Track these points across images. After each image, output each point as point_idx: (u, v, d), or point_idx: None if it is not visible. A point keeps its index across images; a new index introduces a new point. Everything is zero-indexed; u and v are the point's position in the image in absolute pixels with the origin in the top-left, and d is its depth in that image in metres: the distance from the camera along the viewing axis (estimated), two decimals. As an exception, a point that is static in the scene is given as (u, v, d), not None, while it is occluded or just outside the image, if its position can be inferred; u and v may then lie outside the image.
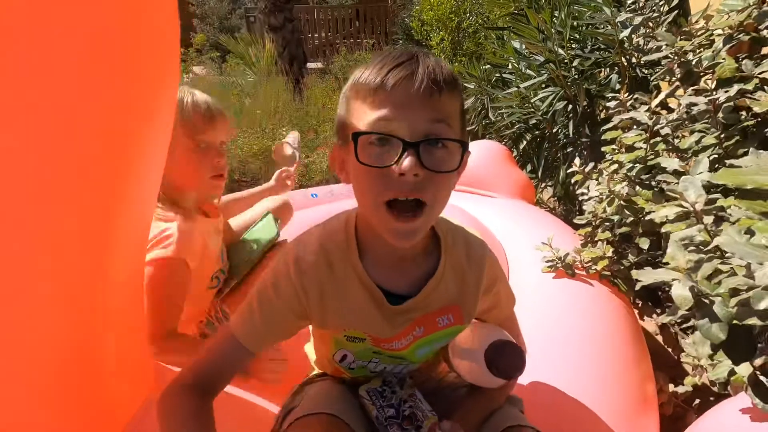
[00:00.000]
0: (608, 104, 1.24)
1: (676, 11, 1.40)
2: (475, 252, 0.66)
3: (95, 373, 0.60)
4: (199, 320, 1.06)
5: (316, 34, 7.95)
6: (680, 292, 0.61)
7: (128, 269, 0.64)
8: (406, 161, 0.51)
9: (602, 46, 1.80)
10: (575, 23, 1.77)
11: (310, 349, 0.78)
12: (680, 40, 1.00)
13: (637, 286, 0.81)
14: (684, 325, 1.22)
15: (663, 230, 0.76)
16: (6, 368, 0.52)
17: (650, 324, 1.53)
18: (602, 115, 1.91)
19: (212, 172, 0.97)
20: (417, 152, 0.51)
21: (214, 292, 1.07)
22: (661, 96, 1.00)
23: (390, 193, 0.53)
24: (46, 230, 0.52)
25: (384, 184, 0.53)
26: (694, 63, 0.95)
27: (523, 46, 1.94)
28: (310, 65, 6.60)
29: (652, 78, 1.12)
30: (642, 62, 1.62)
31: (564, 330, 1.07)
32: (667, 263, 0.97)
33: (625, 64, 1.61)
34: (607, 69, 1.76)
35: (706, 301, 0.60)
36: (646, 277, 0.68)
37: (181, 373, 0.62)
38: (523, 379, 0.93)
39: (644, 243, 1.19)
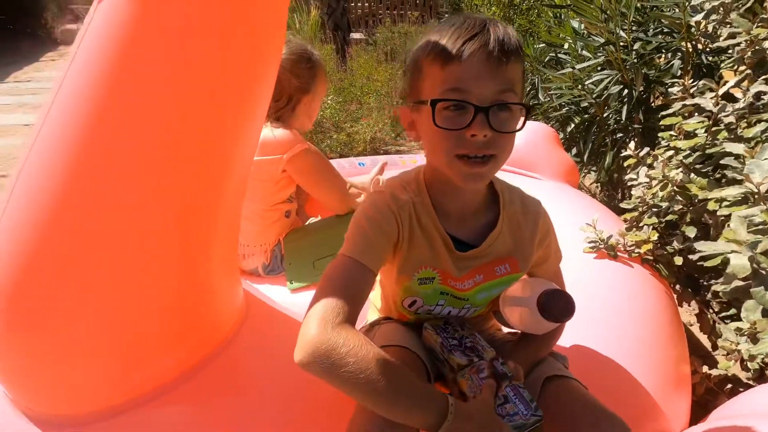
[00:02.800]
0: (670, 89, 1.23)
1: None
2: (530, 207, 0.75)
3: (201, 292, 0.70)
4: (272, 243, 1.19)
5: (359, 4, 7.84)
6: (738, 261, 0.65)
7: (233, 201, 0.73)
8: (478, 125, 0.59)
9: (666, 30, 1.75)
10: (640, 5, 1.72)
11: (374, 296, 0.86)
12: (756, 27, 0.99)
13: (695, 256, 0.84)
14: (722, 314, 1.24)
15: (720, 213, 0.78)
16: (136, 285, 0.62)
17: (685, 314, 1.55)
18: (657, 102, 1.88)
19: (313, 115, 1.27)
20: (486, 116, 0.59)
21: (287, 209, 1.26)
22: (731, 83, 1.00)
23: (463, 150, 0.61)
24: (174, 161, 0.60)
25: (457, 143, 0.61)
26: (768, 52, 0.94)
27: (582, 26, 1.90)
28: (353, 35, 6.54)
29: (722, 65, 1.10)
30: (708, 48, 1.57)
31: (605, 308, 1.11)
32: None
33: (690, 50, 1.57)
34: (669, 54, 1.71)
35: (763, 272, 0.64)
36: (706, 247, 0.72)
37: (316, 309, 0.57)
38: (565, 346, 0.99)
39: (691, 231, 1.21)
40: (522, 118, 0.63)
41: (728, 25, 1.14)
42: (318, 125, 3.09)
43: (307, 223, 1.35)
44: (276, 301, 1.02)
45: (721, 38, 1.08)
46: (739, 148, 0.83)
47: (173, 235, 0.64)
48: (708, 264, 1.07)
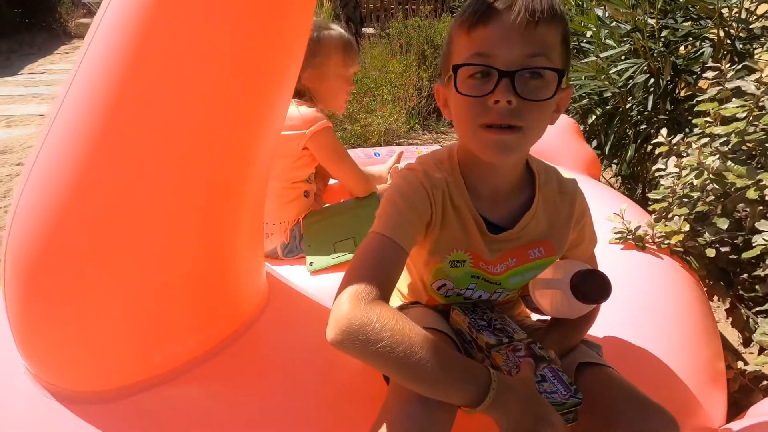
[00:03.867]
0: (705, 75, 1.18)
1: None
2: (566, 187, 0.71)
3: (226, 271, 0.68)
4: (291, 222, 1.18)
5: (371, -2, 7.78)
6: None
7: (258, 180, 0.70)
8: (501, 90, 0.54)
9: (694, 17, 1.69)
10: (668, -9, 1.67)
11: (399, 282, 0.83)
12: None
13: (745, 255, 0.79)
14: (756, 309, 1.19)
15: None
16: (162, 261, 0.60)
17: (713, 309, 1.50)
18: (683, 93, 1.82)
19: (345, 95, 1.27)
20: (512, 81, 0.54)
21: (306, 189, 1.25)
22: (775, 65, 0.95)
23: (486, 118, 0.57)
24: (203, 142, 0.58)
25: (481, 111, 0.57)
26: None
27: (608, 14, 1.85)
28: (364, 30, 6.51)
29: (759, 52, 1.05)
30: (740, 36, 1.52)
31: (635, 302, 1.07)
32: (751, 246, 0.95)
33: (722, 36, 1.51)
34: (698, 42, 1.66)
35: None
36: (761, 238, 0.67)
37: (348, 286, 0.54)
38: (598, 336, 0.95)
39: (723, 223, 1.16)
40: (555, 86, 0.56)
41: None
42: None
43: (326, 206, 1.33)
44: (296, 284, 1.00)
45: (758, 21, 1.03)
46: (793, 127, 0.78)
47: (198, 214, 0.61)
48: (746, 255, 1.03)
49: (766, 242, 0.96)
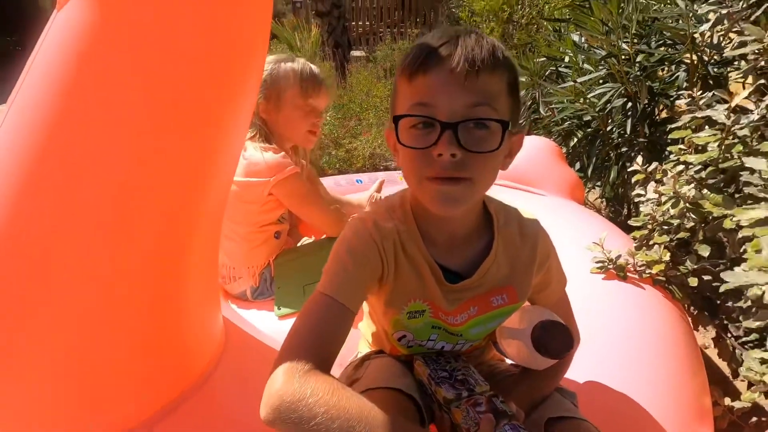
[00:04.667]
0: (679, 102, 1.18)
1: (764, 5, 1.31)
2: (528, 229, 0.67)
3: (176, 325, 0.64)
4: (260, 265, 1.14)
5: (360, 22, 7.94)
6: None
7: (210, 223, 0.67)
8: (444, 143, 0.52)
9: (668, 42, 1.71)
10: (642, 17, 1.69)
11: (364, 327, 0.79)
12: (769, 35, 0.94)
13: (722, 288, 0.77)
14: (743, 339, 1.16)
15: (743, 234, 0.72)
16: (103, 317, 0.56)
17: (700, 337, 1.46)
18: (662, 115, 1.83)
19: (310, 128, 1.20)
20: (455, 133, 0.52)
21: (276, 230, 1.22)
22: (744, 94, 0.94)
23: (431, 171, 0.54)
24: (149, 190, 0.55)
25: (425, 164, 0.55)
26: (784, 61, 0.88)
27: (583, 39, 1.87)
28: (353, 53, 6.61)
29: (733, 76, 1.05)
30: (714, 60, 1.53)
31: (616, 335, 1.04)
32: (732, 268, 0.93)
33: (695, 61, 1.52)
34: (673, 66, 1.67)
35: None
36: (734, 279, 0.65)
37: (284, 357, 0.52)
38: (574, 382, 0.92)
39: (704, 250, 1.14)
40: (500, 137, 0.54)
41: (738, 34, 1.09)
42: (317, 141, 3.06)
43: (299, 244, 1.29)
44: (262, 329, 0.95)
45: (730, 47, 1.03)
46: (760, 163, 0.77)
47: (140, 260, 0.58)
48: (725, 288, 1.00)
49: (754, 284, 0.93)
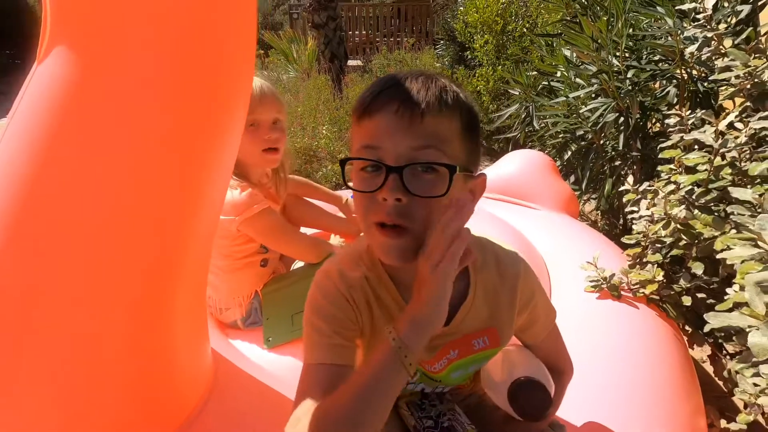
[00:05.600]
0: (667, 121, 1.19)
1: (747, 26, 1.32)
2: (506, 269, 0.64)
3: (162, 364, 0.63)
4: (247, 296, 1.12)
5: (356, 32, 8.00)
6: (758, 340, 0.58)
7: (200, 257, 0.67)
8: (389, 186, 0.51)
9: (659, 58, 1.72)
10: (631, 32, 1.70)
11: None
12: (754, 58, 0.95)
13: (709, 326, 0.75)
14: (738, 358, 1.15)
15: (730, 261, 0.72)
16: (86, 355, 0.56)
17: (695, 352, 1.46)
18: (654, 129, 1.83)
19: (264, 146, 1.09)
20: (400, 177, 0.51)
21: (262, 258, 1.18)
22: (730, 117, 0.95)
23: (377, 216, 0.53)
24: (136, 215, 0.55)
25: (372, 207, 0.54)
26: (769, 84, 0.89)
27: (574, 55, 1.88)
28: (350, 63, 6.65)
29: (721, 98, 1.06)
30: (703, 76, 1.54)
31: (610, 356, 1.03)
32: (726, 293, 0.93)
33: (685, 77, 1.53)
34: (664, 81, 1.68)
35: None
36: (718, 321, 0.65)
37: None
38: (566, 405, 0.91)
39: (698, 268, 1.14)
40: (448, 182, 0.52)
41: (723, 57, 1.10)
42: (313, 155, 3.07)
43: (293, 267, 1.28)
44: (253, 358, 0.95)
45: (717, 70, 1.04)
46: (746, 194, 0.77)
47: (125, 296, 0.58)
48: (720, 308, 1.00)
49: (738, 293, 0.93)
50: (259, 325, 1.12)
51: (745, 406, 1.08)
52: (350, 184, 0.56)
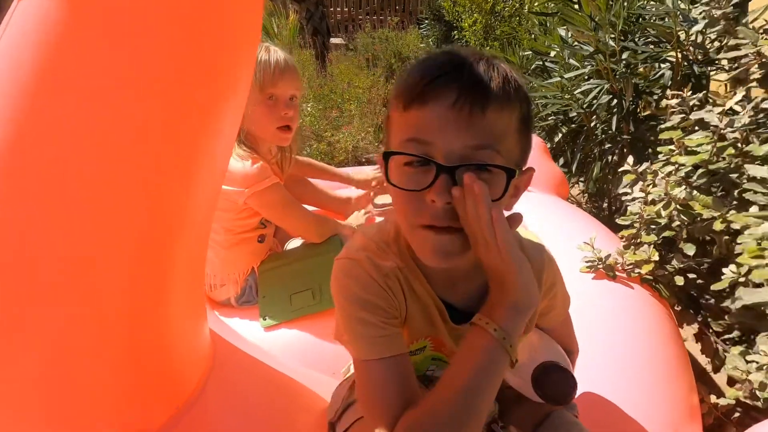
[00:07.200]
0: (668, 102, 1.18)
1: (739, 8, 1.32)
2: (533, 258, 0.60)
3: (159, 345, 0.59)
4: (243, 272, 1.09)
5: (338, 9, 7.76)
6: None
7: (198, 228, 0.62)
8: (439, 187, 0.46)
9: (654, 40, 1.72)
10: (628, 13, 1.69)
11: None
12: (762, 39, 0.94)
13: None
14: (725, 336, 1.19)
15: (741, 240, 0.72)
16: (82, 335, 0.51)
17: (681, 332, 1.50)
18: (645, 112, 1.84)
19: (278, 123, 1.06)
20: (452, 177, 0.47)
21: (260, 234, 1.15)
22: (738, 97, 0.95)
23: (423, 218, 0.49)
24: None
25: (418, 208, 0.49)
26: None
27: (570, 34, 1.86)
28: (332, 41, 6.46)
29: (720, 77, 1.05)
30: (698, 59, 1.54)
31: (609, 335, 1.05)
32: (722, 273, 0.94)
33: (680, 59, 1.53)
34: (659, 64, 1.68)
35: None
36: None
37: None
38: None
39: (690, 249, 1.16)
40: (504, 185, 0.48)
41: (728, 37, 1.09)
42: (298, 133, 2.97)
43: (286, 247, 1.24)
44: (248, 339, 0.91)
45: (725, 49, 1.03)
46: (763, 171, 0.77)
47: (120, 275, 0.52)
48: (715, 287, 1.02)
49: (734, 274, 0.95)
50: (252, 303, 1.07)
51: (730, 380, 1.12)
52: (391, 180, 0.50)
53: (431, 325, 0.59)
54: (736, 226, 0.90)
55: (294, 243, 1.25)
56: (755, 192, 0.76)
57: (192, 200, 0.58)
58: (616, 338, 1.04)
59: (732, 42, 1.01)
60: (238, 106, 0.63)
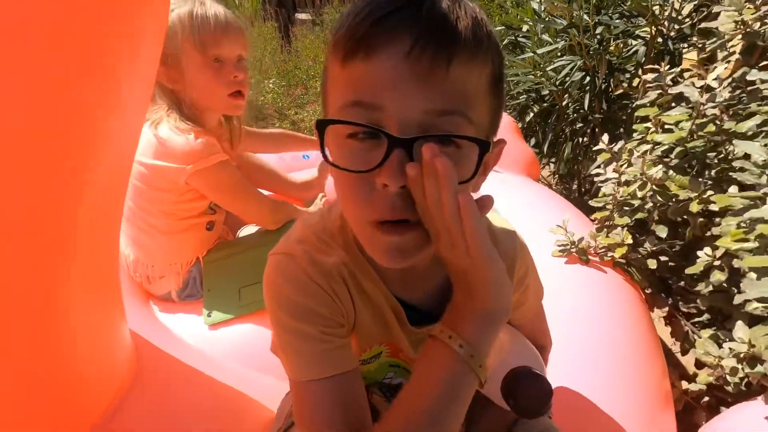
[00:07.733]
0: (644, 77, 1.12)
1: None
2: (502, 247, 0.53)
3: (53, 353, 0.47)
4: (187, 263, 0.97)
5: (305, -18, 7.42)
6: None
7: (101, 215, 0.50)
8: (391, 167, 0.35)
9: (627, 14, 1.67)
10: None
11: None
12: (746, 8, 0.88)
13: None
14: (695, 320, 1.17)
15: (724, 222, 0.66)
16: None
17: (654, 312, 1.49)
18: (617, 92, 1.80)
19: (229, 89, 0.92)
20: (409, 153, 0.35)
21: (208, 221, 1.02)
22: (720, 69, 0.89)
23: (375, 212, 0.38)
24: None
25: (368, 198, 0.38)
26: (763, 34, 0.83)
27: (543, 8, 1.78)
28: (298, 16, 6.17)
29: (708, 48, 1.00)
30: (671, 35, 1.49)
31: (582, 321, 1.00)
32: (697, 256, 0.90)
33: (654, 34, 1.48)
34: (632, 40, 1.63)
35: None
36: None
37: None
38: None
39: (662, 231, 1.13)
40: (475, 163, 0.37)
41: (707, 7, 1.04)
42: (259, 111, 2.80)
43: (239, 235, 1.11)
44: (188, 339, 0.80)
45: (712, 17, 0.97)
46: (754, 147, 0.71)
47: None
48: (690, 271, 0.98)
49: (710, 257, 0.91)
50: (196, 298, 0.96)
51: (698, 364, 1.11)
52: (329, 157, 0.38)
53: (386, 329, 0.50)
54: (713, 207, 0.86)
55: (248, 230, 1.13)
56: (743, 170, 0.71)
57: (88, 174, 0.47)
58: (590, 326, 1.00)
59: (716, 9, 0.95)
60: (144, 70, 0.50)
